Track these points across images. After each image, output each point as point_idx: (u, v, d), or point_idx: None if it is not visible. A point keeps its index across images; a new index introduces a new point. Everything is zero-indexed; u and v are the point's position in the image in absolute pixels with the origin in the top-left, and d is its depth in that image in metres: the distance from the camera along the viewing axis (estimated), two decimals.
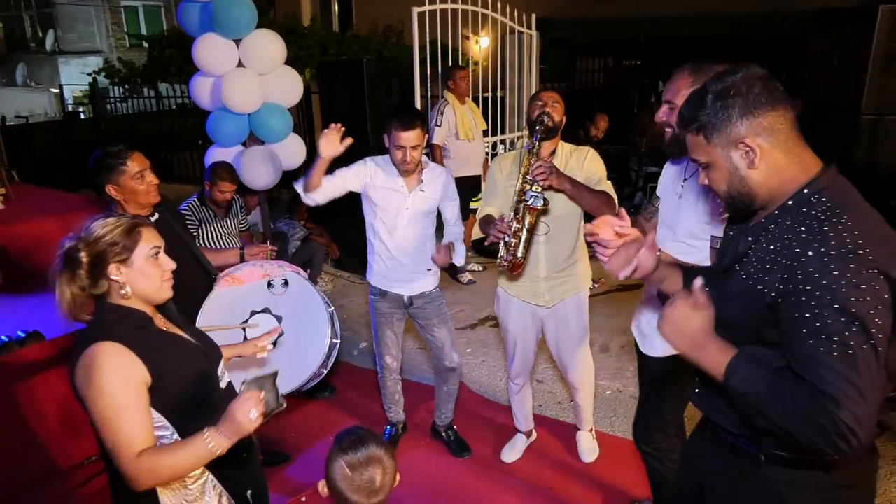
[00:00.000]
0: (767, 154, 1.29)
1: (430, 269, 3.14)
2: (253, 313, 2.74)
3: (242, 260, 2.98)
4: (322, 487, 1.50)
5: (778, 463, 1.35)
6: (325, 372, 2.84)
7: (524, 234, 2.68)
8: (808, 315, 1.19)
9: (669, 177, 2.33)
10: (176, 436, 1.60)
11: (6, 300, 4.98)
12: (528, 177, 2.64)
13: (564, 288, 2.96)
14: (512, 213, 2.70)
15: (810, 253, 1.20)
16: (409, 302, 3.17)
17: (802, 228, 1.24)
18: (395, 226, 3.04)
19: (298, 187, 3.00)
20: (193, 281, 2.74)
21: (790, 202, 1.30)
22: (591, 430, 3.38)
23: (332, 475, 1.46)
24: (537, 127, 2.69)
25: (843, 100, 4.23)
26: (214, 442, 1.46)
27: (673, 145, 2.13)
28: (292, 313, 2.75)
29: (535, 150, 2.70)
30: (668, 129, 2.11)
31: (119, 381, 1.50)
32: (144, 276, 1.61)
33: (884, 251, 1.18)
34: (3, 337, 4.54)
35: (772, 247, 1.30)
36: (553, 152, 2.82)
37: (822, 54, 4.54)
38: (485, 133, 5.93)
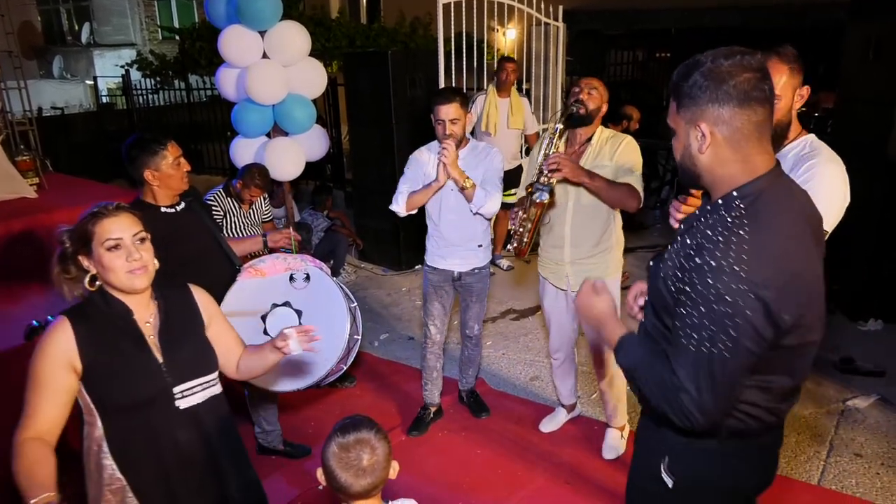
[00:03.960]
0: (717, 144, 1.32)
1: (480, 246, 3.24)
2: (274, 306, 2.76)
3: (266, 246, 3.00)
4: (320, 475, 1.54)
5: (671, 427, 1.45)
6: (346, 367, 2.85)
7: (528, 225, 2.72)
8: (683, 311, 1.31)
9: None
10: (100, 423, 1.65)
11: (37, 287, 5.10)
12: (542, 167, 2.65)
13: (590, 275, 2.94)
14: (523, 204, 2.73)
15: (698, 260, 1.28)
16: (457, 276, 3.27)
17: (710, 232, 1.31)
18: (440, 205, 3.14)
19: (398, 208, 3.06)
20: (217, 270, 2.76)
21: (719, 201, 1.35)
22: (621, 429, 3.29)
23: (325, 455, 1.52)
24: (565, 113, 2.72)
25: (878, 94, 4.11)
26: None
27: None
28: (312, 308, 2.76)
29: (556, 136, 2.70)
30: None
31: (45, 356, 1.60)
32: (104, 268, 1.64)
33: (765, 272, 1.22)
34: (34, 322, 4.69)
35: (689, 240, 1.36)
36: (589, 139, 2.84)
37: (856, 47, 4.41)
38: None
